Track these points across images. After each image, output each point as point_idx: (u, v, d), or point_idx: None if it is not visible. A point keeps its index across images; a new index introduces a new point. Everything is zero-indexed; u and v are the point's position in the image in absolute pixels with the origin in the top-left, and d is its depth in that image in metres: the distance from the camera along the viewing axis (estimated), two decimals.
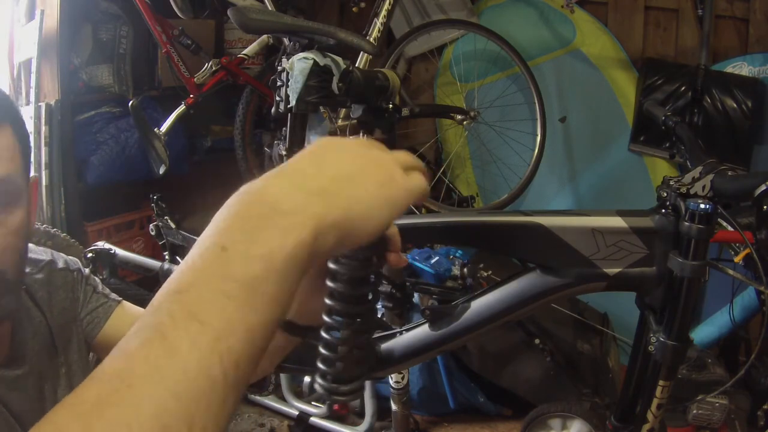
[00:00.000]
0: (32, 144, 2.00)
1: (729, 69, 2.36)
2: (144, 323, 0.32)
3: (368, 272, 0.49)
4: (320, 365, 0.51)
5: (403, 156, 0.44)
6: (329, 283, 0.49)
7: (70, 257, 0.88)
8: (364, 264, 0.49)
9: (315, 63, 1.40)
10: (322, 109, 2.03)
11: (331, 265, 0.49)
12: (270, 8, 2.33)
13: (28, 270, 0.80)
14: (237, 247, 0.33)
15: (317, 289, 0.53)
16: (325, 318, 0.50)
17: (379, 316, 1.70)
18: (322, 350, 0.50)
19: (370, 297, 0.51)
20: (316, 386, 0.51)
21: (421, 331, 0.88)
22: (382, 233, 0.40)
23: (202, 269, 0.33)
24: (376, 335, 0.94)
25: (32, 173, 2.00)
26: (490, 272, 1.90)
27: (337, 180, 0.38)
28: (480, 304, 0.84)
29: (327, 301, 0.50)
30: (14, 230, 0.67)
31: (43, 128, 2.03)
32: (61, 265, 0.85)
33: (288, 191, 0.36)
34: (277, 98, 1.48)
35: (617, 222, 0.78)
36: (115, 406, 0.29)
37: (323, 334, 0.51)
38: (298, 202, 0.36)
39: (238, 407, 0.34)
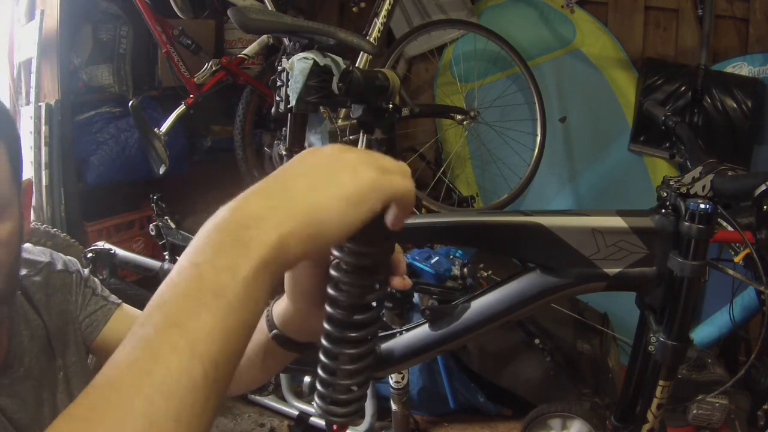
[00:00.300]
0: (32, 144, 2.01)
1: (729, 69, 2.36)
2: (132, 335, 0.36)
3: (369, 299, 0.48)
4: (318, 387, 0.50)
5: (382, 158, 0.44)
6: (328, 309, 0.48)
7: (69, 258, 0.88)
8: (366, 291, 0.48)
9: (315, 63, 1.40)
10: (322, 109, 2.03)
11: (331, 291, 0.48)
12: (270, 8, 2.33)
13: (26, 272, 0.80)
14: (207, 261, 0.37)
15: (317, 308, 0.53)
16: (324, 342, 0.49)
17: None
18: (320, 372, 0.49)
19: (370, 323, 0.49)
20: (315, 406, 0.51)
21: (421, 331, 0.88)
22: (351, 233, 0.41)
23: (178, 284, 0.37)
24: None
25: (31, 174, 1.99)
26: (490, 272, 1.90)
27: (299, 190, 0.41)
28: (480, 304, 0.84)
29: (325, 325, 0.49)
30: (4, 242, 0.66)
31: (43, 128, 2.03)
32: (59, 266, 0.85)
33: (252, 208, 0.40)
34: (277, 98, 1.48)
35: (617, 222, 0.78)
36: (109, 409, 0.32)
37: (321, 357, 0.49)
38: (260, 216, 0.39)
39: (221, 405, 0.37)
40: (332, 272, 0.48)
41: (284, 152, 1.67)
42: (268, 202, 0.40)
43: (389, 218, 0.44)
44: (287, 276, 0.55)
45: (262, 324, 0.61)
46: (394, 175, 0.43)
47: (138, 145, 2.34)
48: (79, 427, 0.32)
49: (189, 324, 0.35)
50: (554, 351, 1.97)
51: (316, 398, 0.50)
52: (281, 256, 0.39)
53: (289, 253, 0.39)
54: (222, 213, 0.40)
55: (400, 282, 0.51)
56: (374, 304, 0.49)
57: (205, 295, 0.36)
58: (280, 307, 0.59)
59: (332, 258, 0.48)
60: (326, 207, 0.40)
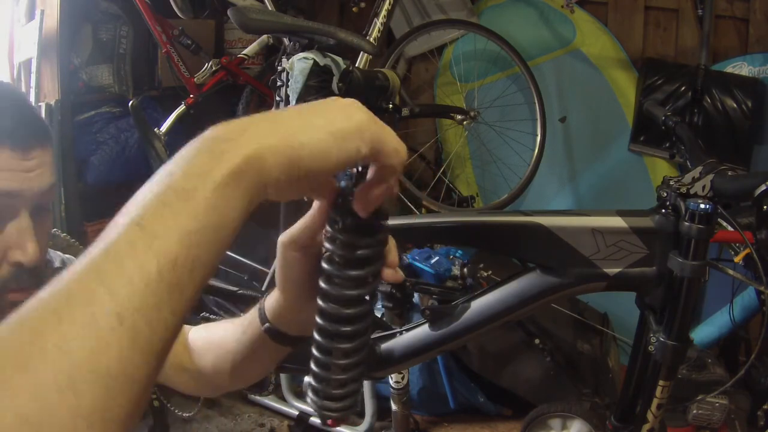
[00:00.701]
0: None
1: (729, 69, 2.36)
2: (96, 239, 0.34)
3: (362, 293, 0.47)
4: (312, 382, 0.49)
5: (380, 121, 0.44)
6: (320, 303, 0.48)
7: (66, 255, 0.88)
8: (358, 284, 0.47)
9: (315, 63, 1.40)
10: None
11: (322, 285, 0.47)
12: (270, 8, 2.33)
13: None
14: (180, 169, 0.36)
15: (308, 301, 0.52)
16: (316, 336, 0.48)
17: (379, 316, 1.69)
18: (313, 367, 0.49)
19: (363, 317, 0.48)
20: (308, 400, 0.50)
21: (421, 331, 0.88)
22: (332, 170, 0.41)
23: (149, 190, 0.36)
24: (376, 335, 0.93)
25: None
26: (490, 272, 1.89)
27: (284, 116, 0.41)
28: (480, 304, 0.84)
29: (318, 320, 0.48)
30: (50, 229, 0.75)
31: None
32: (57, 264, 0.85)
33: (233, 125, 0.39)
34: (277, 98, 1.48)
35: (617, 222, 0.78)
36: (50, 298, 0.31)
37: (314, 351, 0.49)
38: (240, 129, 0.38)
39: (181, 321, 0.34)
40: (324, 265, 0.47)
41: None
42: (251, 121, 0.40)
43: (372, 180, 0.43)
44: (278, 268, 0.54)
45: (255, 317, 0.60)
46: (385, 128, 0.42)
47: (138, 145, 2.34)
48: (23, 318, 0.30)
49: (150, 222, 0.34)
50: (554, 351, 1.97)
51: (309, 393, 0.50)
52: (257, 169, 0.37)
53: (265, 168, 0.38)
54: (204, 132, 0.39)
55: (392, 274, 0.50)
56: (366, 297, 0.48)
57: (171, 197, 0.35)
58: (272, 300, 0.59)
59: (324, 251, 0.47)
60: (309, 133, 0.39)
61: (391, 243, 0.50)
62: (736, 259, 1.13)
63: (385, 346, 0.89)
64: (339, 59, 1.43)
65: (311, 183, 0.43)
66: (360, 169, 0.44)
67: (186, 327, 0.74)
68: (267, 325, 0.59)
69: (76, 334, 0.29)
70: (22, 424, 0.27)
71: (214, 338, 0.68)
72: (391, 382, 1.74)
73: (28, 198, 0.71)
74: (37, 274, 0.71)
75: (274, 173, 0.38)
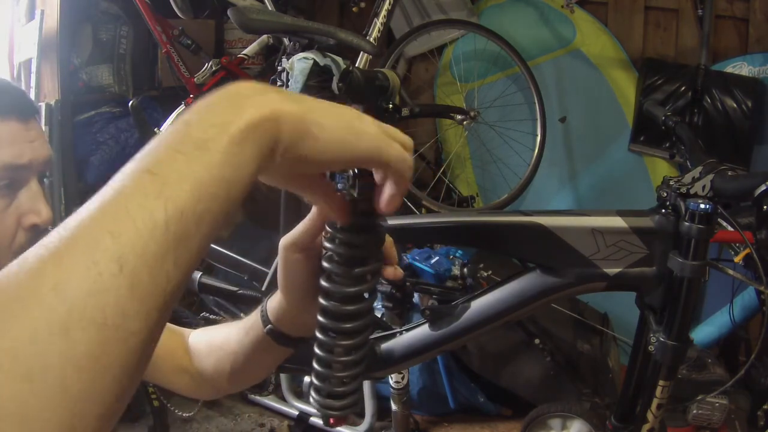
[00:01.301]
0: None
1: (729, 69, 2.36)
2: (105, 185, 0.33)
3: (361, 289, 0.48)
4: (314, 380, 0.50)
5: (390, 127, 0.44)
6: (321, 301, 0.49)
7: None
8: (358, 281, 0.48)
9: (315, 63, 1.40)
10: None
11: (323, 283, 0.48)
12: (270, 8, 2.33)
13: None
14: (198, 118, 0.36)
15: (309, 302, 0.53)
16: (318, 334, 0.49)
17: (379, 316, 1.69)
18: (315, 365, 0.50)
19: (363, 314, 0.49)
20: (311, 400, 0.51)
21: (421, 331, 0.88)
22: (338, 163, 0.40)
23: (164, 138, 0.35)
24: (376, 335, 0.94)
25: None
26: (490, 272, 1.90)
27: (310, 98, 0.41)
28: (480, 304, 0.84)
29: (319, 318, 0.49)
30: (49, 197, 0.75)
31: (44, 128, 2.03)
32: None
33: (257, 85, 0.39)
34: None
35: (617, 222, 0.78)
36: (52, 240, 0.30)
37: (316, 350, 0.50)
38: (262, 90, 0.38)
39: (185, 277, 0.33)
40: (324, 264, 0.48)
41: None
42: (273, 87, 0.40)
43: (384, 195, 0.43)
44: (281, 271, 0.55)
45: (257, 320, 0.61)
46: (394, 143, 0.42)
47: (138, 145, 2.34)
48: (22, 260, 0.30)
49: (161, 169, 0.33)
50: (554, 351, 1.97)
51: (312, 392, 0.51)
52: (273, 128, 0.37)
53: (280, 130, 0.37)
54: (223, 86, 0.39)
55: (392, 272, 0.51)
56: (366, 295, 0.49)
57: (187, 145, 0.34)
58: (274, 302, 0.59)
59: (324, 251, 0.49)
60: (329, 118, 0.39)
61: (389, 241, 0.51)
62: (736, 259, 1.13)
63: (385, 346, 0.89)
64: (339, 59, 1.43)
65: (309, 171, 0.43)
66: (356, 171, 0.45)
67: (186, 330, 0.74)
68: (269, 326, 0.60)
69: (74, 278, 0.29)
70: (13, 366, 0.26)
71: (216, 341, 0.68)
72: (391, 382, 1.74)
73: (35, 167, 0.75)
74: None
75: (285, 140, 0.38)
